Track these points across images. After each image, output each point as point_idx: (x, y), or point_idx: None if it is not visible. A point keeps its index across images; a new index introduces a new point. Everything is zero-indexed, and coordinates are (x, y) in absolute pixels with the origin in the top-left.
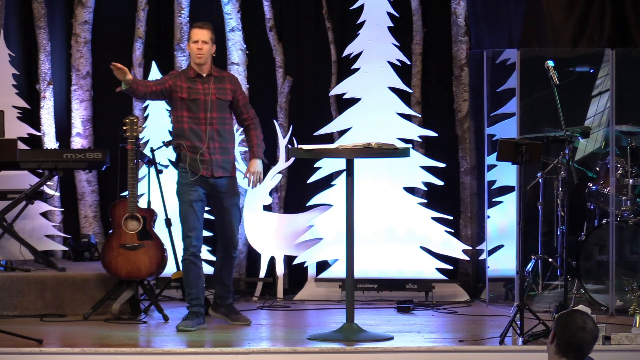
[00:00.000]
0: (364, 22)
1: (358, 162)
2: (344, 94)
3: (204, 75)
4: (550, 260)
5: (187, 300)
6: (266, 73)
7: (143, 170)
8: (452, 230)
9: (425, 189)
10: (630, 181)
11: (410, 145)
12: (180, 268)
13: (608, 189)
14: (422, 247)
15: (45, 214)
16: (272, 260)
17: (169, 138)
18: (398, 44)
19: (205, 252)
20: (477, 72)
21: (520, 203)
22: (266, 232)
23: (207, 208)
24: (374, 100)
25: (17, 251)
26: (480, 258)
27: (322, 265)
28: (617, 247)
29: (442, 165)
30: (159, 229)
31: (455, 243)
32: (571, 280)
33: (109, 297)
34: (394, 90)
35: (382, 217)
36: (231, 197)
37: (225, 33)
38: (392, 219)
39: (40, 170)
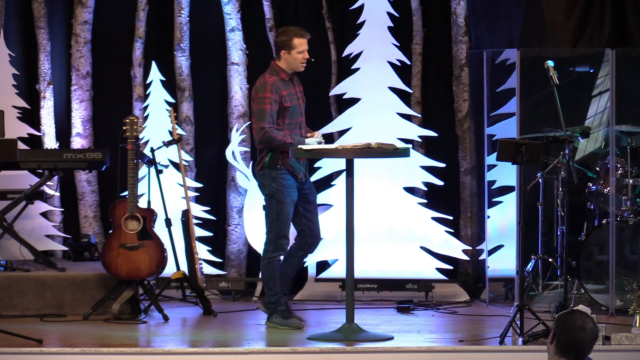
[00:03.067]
0: (364, 22)
1: (358, 162)
2: (344, 94)
3: (292, 76)
4: (550, 260)
5: (275, 299)
6: None
7: (143, 170)
8: (452, 230)
9: (425, 189)
10: (630, 181)
11: (410, 145)
12: (180, 267)
13: (608, 189)
14: (422, 247)
15: (45, 214)
16: None
17: (169, 138)
18: (398, 44)
19: (205, 252)
20: (477, 72)
21: (520, 203)
22: None
23: (207, 208)
24: (374, 100)
25: (17, 251)
26: (480, 258)
27: (322, 265)
28: (617, 247)
29: (442, 165)
30: (159, 229)
31: (455, 243)
32: (571, 280)
33: (109, 297)
34: (394, 90)
35: (382, 217)
36: (314, 194)
37: (225, 33)
38: (392, 219)
39: (40, 170)
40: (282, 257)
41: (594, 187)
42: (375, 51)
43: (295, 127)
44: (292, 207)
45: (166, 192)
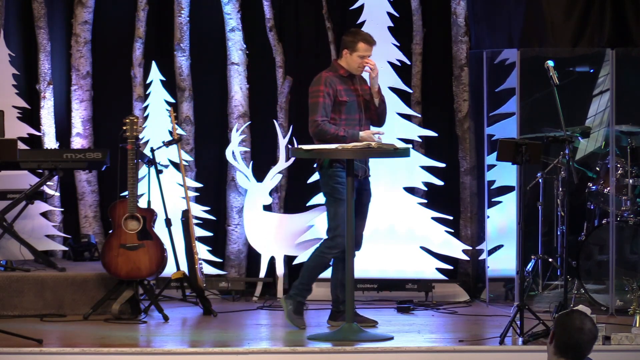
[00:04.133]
0: (364, 22)
1: None
2: None
3: (351, 75)
4: (550, 260)
5: (303, 288)
6: (266, 73)
7: (143, 170)
8: (452, 230)
9: (425, 189)
10: (630, 181)
11: (410, 145)
12: (180, 267)
13: (608, 189)
14: (422, 247)
15: (45, 214)
16: (272, 260)
17: (169, 138)
18: (398, 44)
19: (205, 252)
20: (477, 72)
21: (521, 203)
22: (266, 232)
23: (207, 208)
24: None
25: (17, 251)
26: (480, 258)
27: None
28: (617, 247)
29: (442, 165)
30: (159, 229)
31: (455, 243)
32: (571, 280)
33: (109, 297)
34: (394, 90)
35: (382, 217)
36: (367, 196)
37: (225, 33)
38: (392, 219)
39: (40, 170)
40: (335, 256)
41: (594, 187)
42: (375, 51)
43: (353, 124)
44: (352, 204)
45: (166, 192)
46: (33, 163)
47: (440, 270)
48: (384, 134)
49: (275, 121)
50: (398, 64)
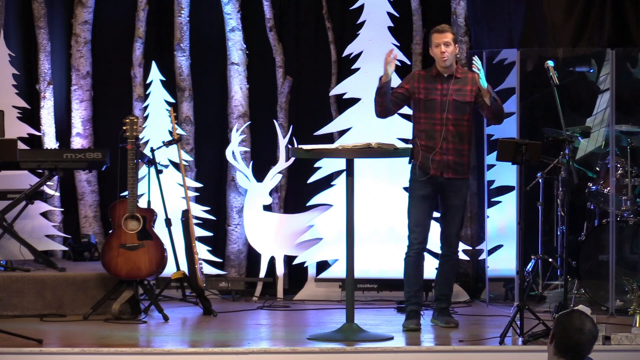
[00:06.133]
0: (364, 22)
1: (358, 162)
2: (344, 94)
3: (445, 75)
4: (550, 260)
5: (405, 298)
6: (266, 73)
7: (143, 170)
8: None
9: None
10: (631, 181)
11: (410, 145)
12: (180, 267)
13: (608, 189)
14: None
15: (45, 214)
16: (272, 260)
17: (169, 138)
18: (398, 44)
19: (205, 252)
20: None
21: (521, 203)
22: (266, 232)
23: (207, 208)
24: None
25: (17, 251)
26: (480, 258)
27: (322, 265)
28: (617, 247)
29: None
30: (159, 229)
31: None
32: (571, 280)
33: (109, 297)
34: None
35: (382, 217)
36: (456, 197)
37: (225, 33)
38: (392, 219)
39: (40, 170)
40: (414, 255)
41: (594, 187)
42: (375, 51)
43: (433, 122)
44: (424, 202)
45: (166, 192)
46: (33, 163)
47: None
48: (396, 55)
49: (275, 121)
50: (398, 64)
